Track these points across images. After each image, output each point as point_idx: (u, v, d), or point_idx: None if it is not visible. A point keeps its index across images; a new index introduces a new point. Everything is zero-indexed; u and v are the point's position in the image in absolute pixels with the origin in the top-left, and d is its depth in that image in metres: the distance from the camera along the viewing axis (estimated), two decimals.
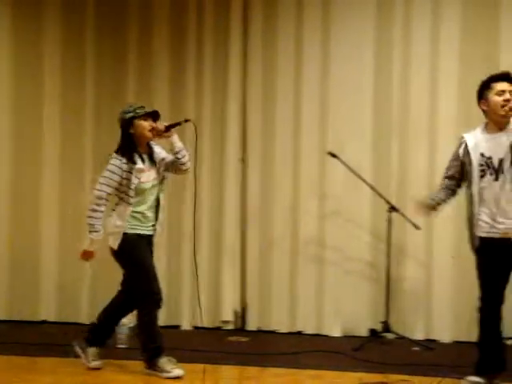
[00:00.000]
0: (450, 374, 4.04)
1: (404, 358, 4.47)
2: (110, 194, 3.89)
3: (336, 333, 5.13)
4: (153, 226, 4.00)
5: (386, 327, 4.87)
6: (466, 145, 3.67)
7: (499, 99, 3.54)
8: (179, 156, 3.97)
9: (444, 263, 5.03)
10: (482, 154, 3.59)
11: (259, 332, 5.17)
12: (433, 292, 5.05)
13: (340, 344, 4.84)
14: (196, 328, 5.30)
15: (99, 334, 4.09)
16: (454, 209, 5.01)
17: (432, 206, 3.88)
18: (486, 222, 3.61)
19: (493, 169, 3.58)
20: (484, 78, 4.90)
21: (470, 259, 4.99)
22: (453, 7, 5.01)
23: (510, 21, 4.94)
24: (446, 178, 3.87)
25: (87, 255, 3.97)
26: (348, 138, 5.16)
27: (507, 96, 3.53)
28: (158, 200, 3.99)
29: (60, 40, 5.51)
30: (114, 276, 5.25)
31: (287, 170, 5.26)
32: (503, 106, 3.53)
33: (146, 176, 3.92)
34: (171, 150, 3.98)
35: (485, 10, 4.98)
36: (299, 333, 5.20)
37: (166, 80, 5.40)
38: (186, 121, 4.02)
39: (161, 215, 4.02)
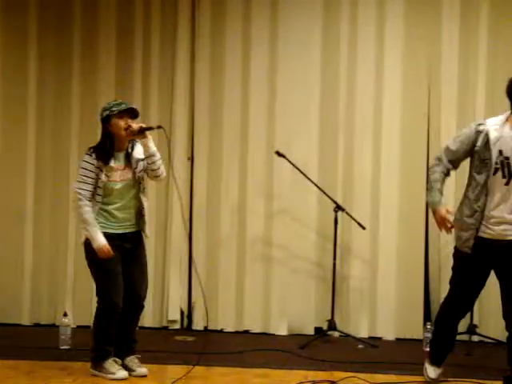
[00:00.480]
0: (393, 370, 4.12)
1: (349, 355, 4.54)
2: (89, 190, 3.79)
3: (282, 331, 5.16)
4: (130, 225, 3.91)
5: (332, 325, 4.92)
6: (488, 137, 3.41)
7: None
8: (149, 161, 3.85)
9: (388, 262, 5.13)
10: (501, 152, 3.37)
11: (206, 331, 5.15)
12: (377, 291, 5.13)
13: (286, 342, 4.86)
14: (142, 328, 5.23)
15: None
16: (399, 208, 5.14)
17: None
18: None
19: (507, 171, 3.39)
20: (426, 76, 5.08)
21: (413, 258, 5.14)
22: (396, 7, 5.11)
23: (451, 18, 5.06)
24: (449, 161, 3.60)
25: (102, 252, 3.77)
26: (295, 137, 5.20)
27: None
28: (138, 201, 3.91)
29: (1, 42, 5.34)
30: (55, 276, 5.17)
31: (234, 169, 5.25)
32: None
33: (118, 175, 3.85)
34: (145, 155, 3.87)
35: (427, 8, 5.10)
36: (246, 332, 5.21)
37: (111, 81, 5.30)
38: (159, 127, 3.90)
39: (141, 214, 3.92)
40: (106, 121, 3.86)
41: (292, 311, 5.18)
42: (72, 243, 5.28)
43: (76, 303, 5.26)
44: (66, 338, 4.51)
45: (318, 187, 5.00)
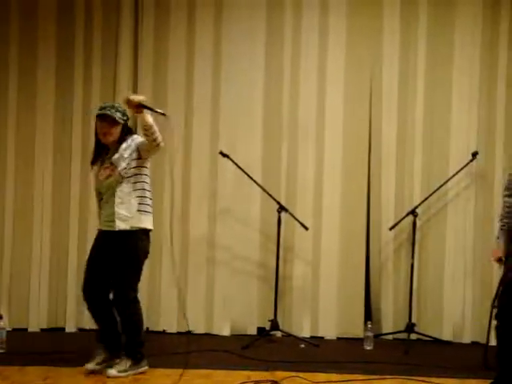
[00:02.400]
0: (334, 369, 4.17)
1: (291, 355, 4.57)
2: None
3: (225, 332, 5.16)
4: (107, 221, 3.93)
5: (274, 325, 4.95)
6: None
7: None
8: (148, 133, 3.78)
9: (330, 262, 5.19)
10: None
11: (148, 332, 5.09)
12: (319, 290, 5.19)
13: (229, 343, 4.86)
14: (81, 330, 5.14)
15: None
16: (341, 209, 5.21)
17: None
18: None
19: None
20: (368, 79, 5.17)
21: (354, 258, 5.22)
22: (339, 15, 5.18)
23: (392, 28, 5.17)
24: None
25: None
26: (239, 138, 5.20)
27: None
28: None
29: None
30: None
31: (177, 168, 5.21)
32: None
33: (100, 174, 3.96)
34: (141, 126, 3.83)
35: (369, 15, 5.18)
36: (189, 332, 5.17)
37: (52, 78, 5.19)
38: (162, 114, 3.84)
39: (116, 209, 3.89)
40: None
41: (235, 312, 5.18)
42: (8, 245, 5.14)
43: (12, 306, 5.12)
44: (1, 342, 4.38)
45: (261, 188, 5.02)
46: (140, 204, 3.96)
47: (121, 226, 3.90)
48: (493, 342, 4.73)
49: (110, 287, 3.98)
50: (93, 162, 4.03)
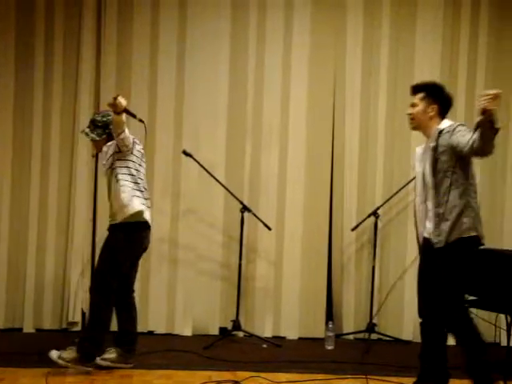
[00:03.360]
0: (296, 369, 4.18)
1: (253, 355, 4.57)
2: None
3: (187, 332, 5.13)
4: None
5: (237, 326, 4.94)
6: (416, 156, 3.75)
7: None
8: (117, 130, 3.93)
9: (293, 263, 5.21)
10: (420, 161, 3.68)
11: (109, 333, 5.02)
12: (282, 291, 5.20)
13: (191, 343, 4.84)
14: (40, 330, 5.05)
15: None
16: (304, 209, 5.23)
17: None
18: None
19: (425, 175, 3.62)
20: (331, 79, 5.21)
21: (317, 259, 5.24)
22: (303, 13, 5.21)
23: (355, 23, 5.22)
24: None
25: None
26: (202, 137, 5.18)
27: (408, 110, 3.66)
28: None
29: None
30: None
31: None
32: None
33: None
34: (114, 124, 3.95)
35: (332, 13, 5.22)
36: (150, 333, 5.13)
37: (11, 78, 5.10)
38: (141, 121, 4.07)
39: (114, 203, 4.05)
40: None
41: (197, 312, 5.16)
42: None
43: None
44: None
45: (224, 187, 5.01)
46: (126, 196, 4.01)
47: (117, 219, 4.04)
48: (451, 342, 4.83)
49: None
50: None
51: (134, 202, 4.02)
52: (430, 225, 3.59)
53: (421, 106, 3.60)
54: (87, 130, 4.13)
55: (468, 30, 5.18)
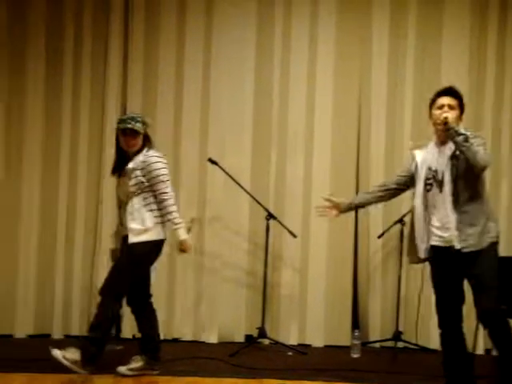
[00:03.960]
0: (321, 377, 4.17)
1: (278, 362, 4.57)
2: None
3: (213, 339, 5.15)
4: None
5: (262, 333, 4.95)
6: (415, 160, 3.71)
7: (438, 113, 3.57)
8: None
9: (318, 270, 5.20)
10: (430, 168, 3.62)
11: (134, 340, 5.07)
12: (307, 298, 5.19)
13: (216, 350, 4.85)
14: (68, 336, 5.10)
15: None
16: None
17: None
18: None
19: (438, 181, 3.58)
20: (357, 88, 5.21)
21: (342, 266, 5.23)
22: (328, 23, 5.22)
23: (381, 34, 5.21)
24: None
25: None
26: (228, 145, 5.21)
27: (445, 109, 3.55)
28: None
29: None
30: None
31: None
32: (440, 122, 3.55)
33: (123, 182, 4.06)
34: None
35: (358, 22, 5.22)
36: (176, 340, 5.16)
37: (41, 81, 5.18)
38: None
39: (129, 220, 3.99)
40: (116, 133, 4.14)
41: (223, 319, 5.17)
42: None
43: None
44: None
45: (250, 195, 5.03)
46: (153, 217, 4.02)
47: (133, 239, 3.98)
48: (480, 351, 4.78)
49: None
50: (114, 171, 4.16)
51: (158, 229, 4.05)
52: (442, 232, 3.55)
53: (457, 112, 3.58)
54: (132, 123, 4.02)
55: (495, 40, 5.14)
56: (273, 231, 5.05)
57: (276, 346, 4.99)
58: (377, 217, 5.19)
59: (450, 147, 3.53)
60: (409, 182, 3.77)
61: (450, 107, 3.57)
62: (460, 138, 3.39)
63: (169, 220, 4.03)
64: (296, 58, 5.23)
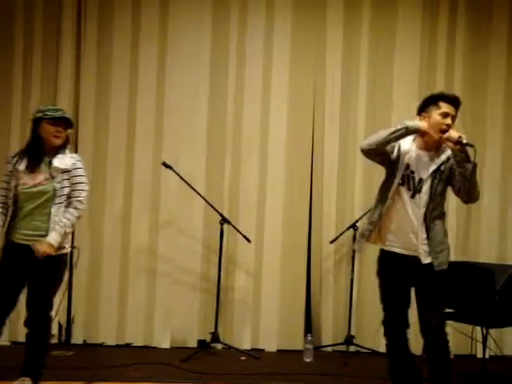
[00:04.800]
0: (274, 381, 4.18)
1: (231, 367, 4.56)
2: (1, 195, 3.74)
3: (165, 344, 5.10)
4: (31, 235, 3.64)
5: (215, 338, 4.93)
6: (400, 147, 3.47)
7: (442, 121, 3.37)
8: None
9: (272, 275, 5.20)
10: (408, 166, 3.44)
11: (85, 345, 5.00)
12: (261, 303, 5.20)
13: (169, 356, 4.81)
14: (14, 343, 4.98)
15: None
16: (283, 221, 5.24)
17: None
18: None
19: (412, 185, 3.42)
20: (311, 92, 5.24)
21: (296, 270, 5.26)
22: (284, 24, 5.25)
23: (335, 42, 5.27)
24: None
25: None
26: (183, 149, 5.18)
27: (449, 121, 3.37)
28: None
29: None
30: None
31: (119, 178, 5.14)
32: (442, 131, 3.36)
33: (28, 179, 3.69)
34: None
35: (313, 27, 5.26)
36: (128, 345, 5.10)
37: None
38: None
39: (51, 227, 3.63)
40: (35, 123, 3.75)
41: (175, 324, 5.13)
42: None
43: None
44: None
45: (204, 199, 5.01)
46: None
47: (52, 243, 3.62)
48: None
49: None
50: (28, 166, 3.70)
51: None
52: (403, 239, 3.43)
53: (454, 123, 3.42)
54: (66, 113, 3.77)
55: (444, 44, 5.26)
56: (227, 236, 5.05)
57: (229, 351, 4.98)
58: (330, 222, 5.24)
59: (435, 160, 3.41)
60: (386, 159, 3.50)
61: (453, 119, 3.41)
62: (470, 166, 3.26)
63: (60, 221, 3.65)
64: (251, 61, 5.23)
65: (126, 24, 5.18)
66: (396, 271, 3.49)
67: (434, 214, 3.39)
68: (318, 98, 5.29)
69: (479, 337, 4.53)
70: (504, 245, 5.25)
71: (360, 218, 5.07)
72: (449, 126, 3.36)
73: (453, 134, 3.32)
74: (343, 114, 5.27)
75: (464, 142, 3.27)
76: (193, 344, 5.11)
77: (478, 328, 4.54)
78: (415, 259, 3.41)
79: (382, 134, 3.40)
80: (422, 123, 3.43)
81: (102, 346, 5.06)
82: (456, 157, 3.32)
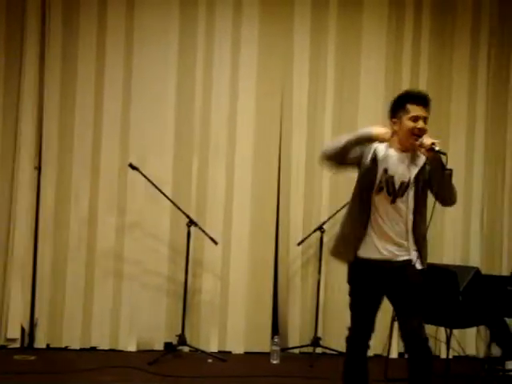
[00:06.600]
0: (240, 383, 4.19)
1: (198, 370, 4.55)
2: None
3: (131, 348, 5.05)
4: None
5: (182, 340, 4.90)
6: (376, 149, 3.27)
7: (413, 125, 3.19)
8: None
9: (239, 277, 5.20)
10: (386, 170, 3.25)
11: (49, 349, 4.92)
12: (228, 305, 5.19)
13: (135, 359, 4.77)
14: None
15: None
16: (250, 224, 5.25)
17: None
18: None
19: (392, 190, 3.24)
20: (279, 93, 5.24)
21: (263, 273, 5.27)
22: (251, 26, 5.26)
23: (302, 41, 5.29)
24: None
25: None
26: (149, 151, 5.13)
27: (421, 124, 3.19)
28: None
29: None
30: None
31: (85, 180, 5.07)
32: (414, 135, 3.18)
33: None
34: None
35: (280, 30, 5.28)
36: (93, 348, 5.03)
37: None
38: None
39: None
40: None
41: (142, 327, 5.08)
42: None
43: None
44: None
45: (171, 201, 4.98)
46: None
47: None
48: (393, 355, 4.93)
49: None
50: None
51: None
52: (389, 246, 3.26)
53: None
54: None
55: (410, 43, 5.35)
56: (194, 238, 5.03)
57: (196, 354, 4.96)
58: (297, 224, 5.26)
59: (416, 163, 3.24)
60: (354, 162, 3.31)
61: (425, 120, 3.22)
62: (445, 172, 3.13)
63: None
64: (218, 63, 5.23)
65: (92, 24, 5.11)
66: (369, 278, 3.31)
67: (418, 218, 3.24)
68: (285, 99, 5.31)
69: (443, 337, 4.60)
70: (467, 246, 5.36)
71: (326, 221, 5.11)
72: (421, 130, 3.19)
73: (425, 140, 3.15)
74: (310, 117, 5.30)
75: (436, 149, 3.11)
76: (159, 347, 5.07)
77: (442, 328, 4.60)
78: (392, 263, 3.25)
79: (337, 145, 3.22)
80: (374, 129, 3.23)
81: (66, 349, 4.99)
82: (431, 163, 3.19)
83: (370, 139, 3.26)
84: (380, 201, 3.25)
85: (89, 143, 5.10)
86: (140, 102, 5.15)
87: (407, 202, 3.22)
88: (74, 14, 5.10)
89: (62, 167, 5.08)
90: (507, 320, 4.60)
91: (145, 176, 4.91)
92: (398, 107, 3.25)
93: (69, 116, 5.10)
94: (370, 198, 3.26)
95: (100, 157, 5.11)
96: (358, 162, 3.29)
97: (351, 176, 5.31)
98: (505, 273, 5.14)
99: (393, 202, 3.24)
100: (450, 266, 4.53)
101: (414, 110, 3.20)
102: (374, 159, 3.25)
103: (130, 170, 4.93)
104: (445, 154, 3.14)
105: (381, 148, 3.27)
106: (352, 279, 3.43)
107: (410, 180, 3.22)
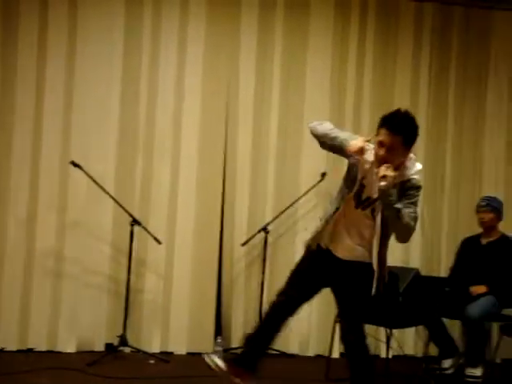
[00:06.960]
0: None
1: (140, 371, 4.50)
2: None
3: (70, 349, 4.95)
4: None
5: (123, 341, 4.84)
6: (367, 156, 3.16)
7: (376, 151, 3.03)
8: None
9: (182, 277, 5.17)
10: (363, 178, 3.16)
11: (1, 352, 4.78)
12: (171, 305, 5.15)
13: (74, 360, 4.68)
14: None
15: None
16: (195, 224, 5.22)
17: None
18: None
19: (359, 196, 3.19)
20: (225, 92, 5.23)
21: (207, 273, 5.25)
22: (197, 25, 5.24)
23: (249, 41, 5.31)
24: None
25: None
26: (92, 148, 5.05)
27: (381, 152, 2.98)
28: None
29: None
30: None
31: (24, 178, 4.94)
32: (378, 161, 3.01)
33: None
34: None
35: (227, 27, 5.29)
36: (30, 350, 4.91)
37: None
38: None
39: None
40: None
41: (82, 327, 4.99)
42: None
43: None
44: None
45: (114, 200, 4.90)
46: None
47: None
48: (335, 355, 4.98)
49: None
50: None
51: None
52: (352, 249, 3.28)
53: (399, 151, 3.06)
54: None
55: (356, 43, 5.43)
56: (137, 237, 4.96)
57: (137, 355, 4.90)
58: (241, 224, 5.27)
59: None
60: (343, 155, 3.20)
61: (389, 148, 2.97)
62: (392, 212, 2.99)
63: None
64: (164, 61, 5.19)
65: (33, 21, 4.98)
66: (323, 264, 3.33)
67: (384, 242, 3.22)
68: (231, 99, 5.31)
69: (383, 337, 4.68)
70: (408, 248, 5.46)
71: (271, 222, 5.13)
72: (382, 158, 2.97)
73: (381, 171, 2.96)
74: (256, 116, 5.32)
75: (380, 184, 2.93)
76: (100, 348, 4.99)
77: (382, 328, 4.68)
78: (347, 262, 3.29)
79: (324, 137, 3.15)
80: (350, 145, 3.07)
81: (2, 351, 4.85)
82: (378, 195, 3.04)
83: (344, 152, 3.15)
84: (350, 201, 3.23)
85: (28, 140, 4.97)
86: (83, 99, 5.05)
87: (372, 220, 3.16)
88: (13, 12, 4.96)
89: (0, 165, 4.93)
90: (444, 320, 4.72)
91: (87, 174, 4.82)
92: (378, 125, 3.10)
93: (8, 112, 4.96)
94: (346, 196, 3.22)
95: (40, 154, 4.98)
96: (347, 156, 3.20)
97: (295, 177, 5.41)
98: (443, 274, 5.27)
99: (356, 207, 3.22)
100: (390, 268, 4.60)
101: (383, 134, 3.01)
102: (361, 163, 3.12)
103: (71, 167, 4.83)
104: (390, 195, 2.96)
105: (369, 154, 3.13)
106: (310, 252, 3.42)
107: (375, 199, 3.10)
